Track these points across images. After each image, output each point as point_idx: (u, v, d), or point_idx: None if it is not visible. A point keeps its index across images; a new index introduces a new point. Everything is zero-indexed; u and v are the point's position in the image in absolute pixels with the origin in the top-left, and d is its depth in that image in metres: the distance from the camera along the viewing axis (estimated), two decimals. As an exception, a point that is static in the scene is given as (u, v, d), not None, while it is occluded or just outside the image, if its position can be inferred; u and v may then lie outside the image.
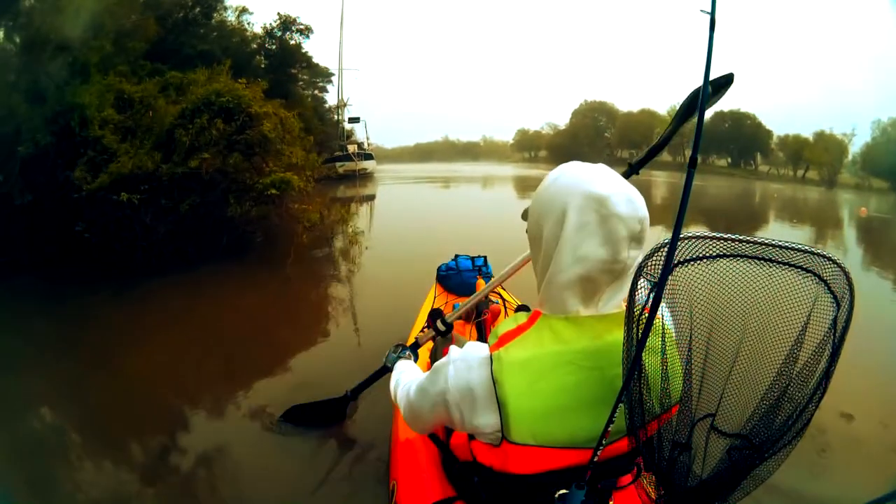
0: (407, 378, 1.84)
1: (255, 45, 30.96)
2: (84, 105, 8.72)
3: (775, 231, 17.06)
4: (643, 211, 1.25)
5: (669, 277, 1.07)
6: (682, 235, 1.07)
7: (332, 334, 6.11)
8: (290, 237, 9.69)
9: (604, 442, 1.11)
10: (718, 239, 1.10)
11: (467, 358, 1.32)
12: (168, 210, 8.50)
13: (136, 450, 3.72)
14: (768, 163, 62.99)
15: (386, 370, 2.54)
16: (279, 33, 31.51)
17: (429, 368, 2.59)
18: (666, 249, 1.05)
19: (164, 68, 11.65)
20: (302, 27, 31.95)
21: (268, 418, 3.86)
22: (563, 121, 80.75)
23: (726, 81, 2.03)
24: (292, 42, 32.17)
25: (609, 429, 1.11)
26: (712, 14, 1.01)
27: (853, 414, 3.98)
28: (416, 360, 2.41)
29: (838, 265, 1.07)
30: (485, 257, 4.80)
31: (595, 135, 76.47)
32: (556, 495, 1.20)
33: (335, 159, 36.55)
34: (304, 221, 9.80)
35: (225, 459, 3.60)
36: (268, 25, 31.57)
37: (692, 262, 1.12)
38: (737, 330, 1.19)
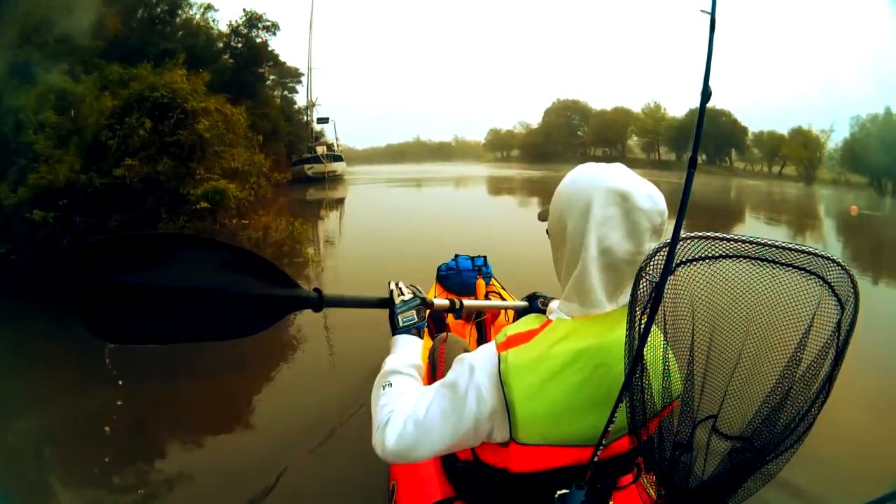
0: (404, 385, 1.55)
1: (220, 44, 30.45)
2: (19, 108, 7.86)
3: (772, 230, 17.18)
4: (663, 205, 1.33)
5: (671, 277, 1.09)
6: (683, 235, 1.09)
7: (284, 384, 5.45)
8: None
9: (604, 441, 1.13)
10: (720, 239, 1.11)
11: (486, 365, 1.32)
12: (91, 229, 7.17)
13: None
14: (744, 159, 63.26)
15: (382, 305, 1.94)
16: (245, 31, 30.84)
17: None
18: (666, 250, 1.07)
19: (118, 67, 9.55)
20: (268, 24, 31.27)
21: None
22: (535, 120, 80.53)
23: None
24: (259, 40, 31.46)
25: (609, 428, 1.12)
26: (712, 14, 1.02)
27: (853, 413, 4.03)
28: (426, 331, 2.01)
29: (842, 267, 1.08)
30: (484, 257, 4.80)
31: (568, 134, 76.27)
32: (556, 495, 1.21)
33: (304, 161, 36.30)
34: (242, 239, 7.84)
35: (219, 458, 3.70)
36: (233, 22, 30.95)
37: (694, 263, 1.13)
38: (739, 331, 1.20)
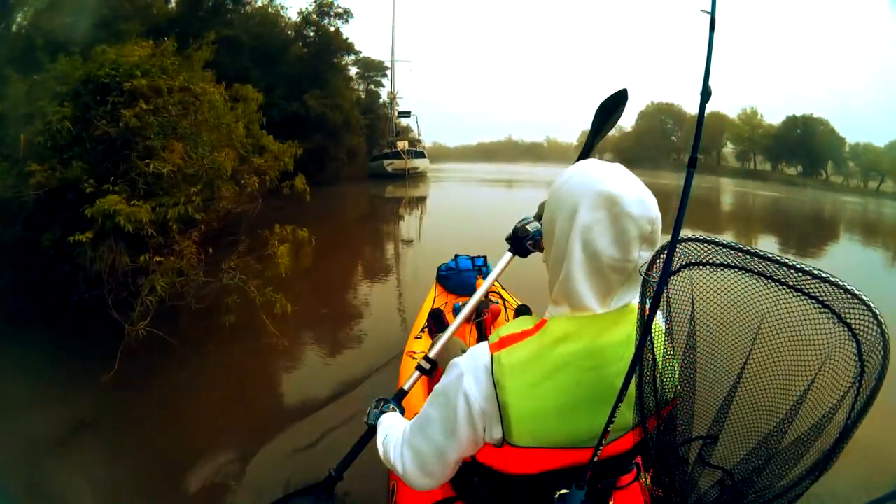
0: (397, 432, 1.68)
1: (291, 33, 30.77)
2: (8, 97, 6.12)
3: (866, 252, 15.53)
4: (655, 212, 1.27)
5: (675, 278, 1.12)
6: (683, 238, 1.08)
7: (283, 382, 5.18)
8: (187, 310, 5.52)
9: (604, 442, 1.12)
10: (722, 246, 1.07)
11: (477, 366, 1.33)
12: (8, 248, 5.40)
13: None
14: (840, 173, 61.60)
15: (371, 432, 2.13)
16: (316, 18, 30.97)
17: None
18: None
19: (106, 46, 6.59)
20: (339, 11, 31.09)
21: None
22: (628, 122, 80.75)
23: (619, 99, 2.24)
24: (332, 28, 31.36)
25: (608, 429, 1.11)
26: (712, 14, 1.04)
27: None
28: (402, 413, 2.14)
29: (866, 305, 0.90)
30: (484, 257, 4.90)
31: (662, 137, 76.55)
32: (556, 495, 1.21)
33: (383, 156, 36.49)
34: (143, 292, 5.12)
35: (220, 456, 3.72)
36: (304, 10, 31.12)
37: (697, 268, 1.11)
38: (740, 353, 1.15)
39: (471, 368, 1.33)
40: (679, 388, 1.24)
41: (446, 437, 1.38)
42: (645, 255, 1.26)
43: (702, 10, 1.03)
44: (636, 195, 1.25)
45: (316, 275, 8.21)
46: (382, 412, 2.04)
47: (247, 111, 7.23)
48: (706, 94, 1.01)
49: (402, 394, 2.33)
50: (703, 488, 1.24)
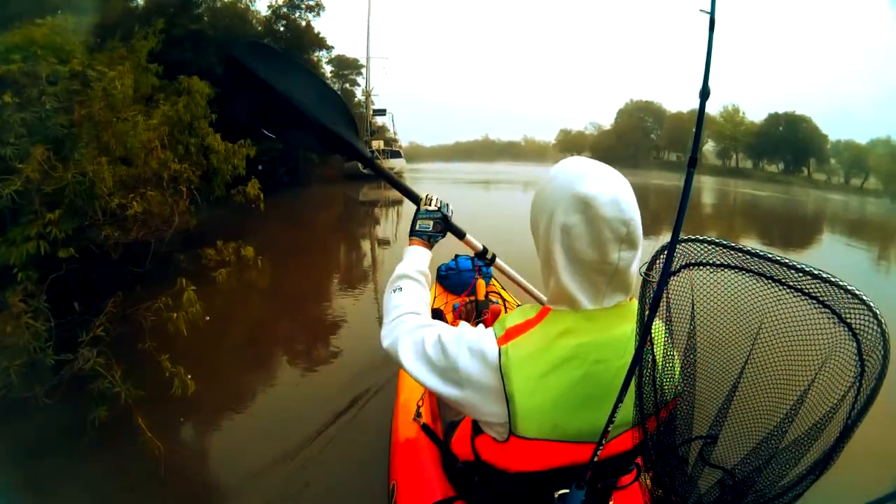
0: (412, 291, 1.72)
1: (260, 28, 30.21)
2: None
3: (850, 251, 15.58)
4: (629, 213, 1.29)
5: (675, 278, 1.13)
6: (683, 238, 1.10)
7: (283, 382, 5.09)
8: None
9: (604, 441, 1.13)
10: (722, 246, 1.08)
11: (482, 348, 1.34)
12: None
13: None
14: (823, 170, 62.00)
15: (413, 216, 2.02)
16: (287, 12, 30.73)
17: None
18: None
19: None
20: (311, 4, 30.90)
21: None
22: (607, 121, 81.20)
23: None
24: (302, 23, 31.16)
25: (609, 429, 1.11)
26: (712, 14, 1.03)
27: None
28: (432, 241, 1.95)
29: (866, 305, 0.92)
30: None
31: (641, 136, 76.89)
32: (556, 495, 1.22)
33: None
34: None
35: (218, 455, 3.81)
36: (273, 3, 30.79)
37: (696, 268, 1.12)
38: (740, 353, 1.16)
39: (478, 352, 1.34)
40: (679, 387, 1.26)
41: (433, 386, 1.40)
42: (625, 256, 1.30)
43: (701, 10, 1.03)
44: (611, 196, 1.28)
45: (278, 294, 7.79)
46: (419, 231, 1.96)
47: (191, 106, 6.57)
48: (705, 94, 1.01)
49: (455, 230, 2.11)
50: (703, 488, 1.25)
